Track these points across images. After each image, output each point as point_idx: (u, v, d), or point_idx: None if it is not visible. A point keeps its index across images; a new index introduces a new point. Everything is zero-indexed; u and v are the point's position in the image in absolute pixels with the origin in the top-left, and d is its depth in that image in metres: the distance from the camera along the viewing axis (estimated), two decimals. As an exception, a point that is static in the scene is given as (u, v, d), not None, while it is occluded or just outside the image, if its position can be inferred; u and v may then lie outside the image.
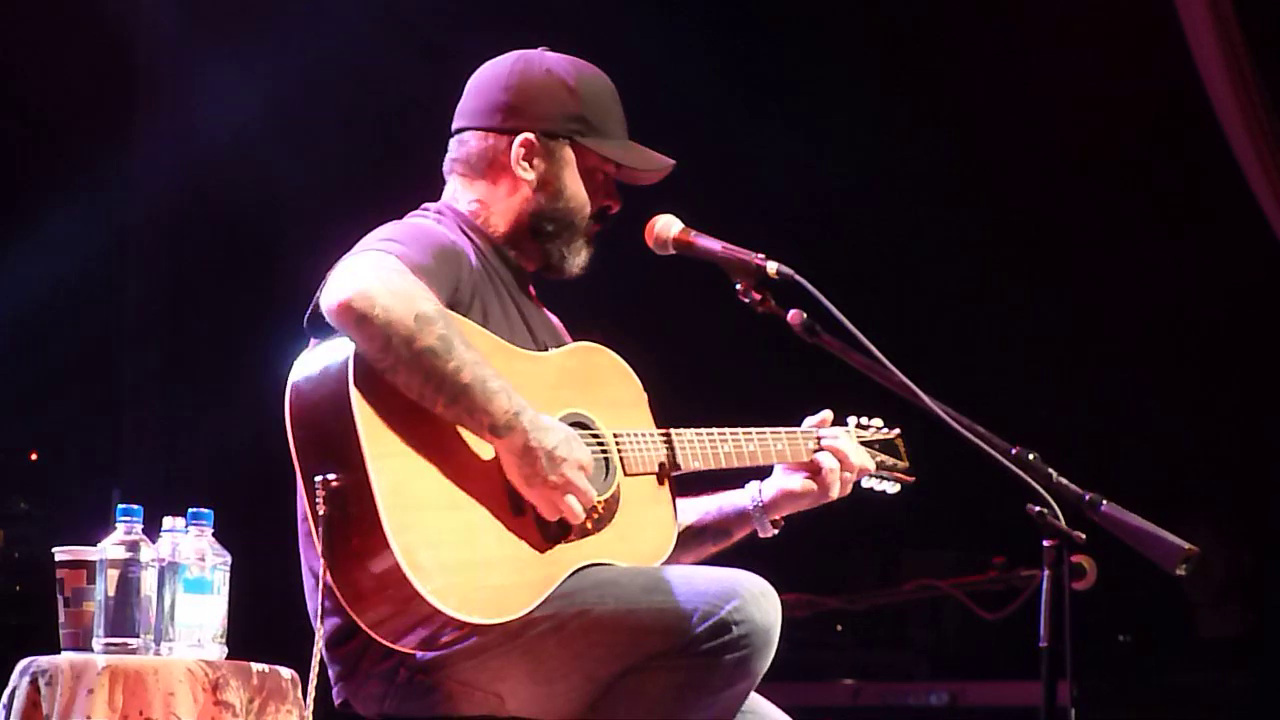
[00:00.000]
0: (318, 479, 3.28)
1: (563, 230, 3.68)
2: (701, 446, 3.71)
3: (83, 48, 6.92)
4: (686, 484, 3.76)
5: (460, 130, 3.72)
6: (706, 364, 7.15)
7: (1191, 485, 7.50)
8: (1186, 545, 3.21)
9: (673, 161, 3.73)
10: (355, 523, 3.26)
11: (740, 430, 3.79)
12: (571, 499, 3.41)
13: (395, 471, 3.28)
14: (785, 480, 3.87)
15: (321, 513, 3.27)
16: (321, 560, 3.28)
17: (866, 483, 3.97)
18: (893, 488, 4.02)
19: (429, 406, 3.32)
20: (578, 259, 3.72)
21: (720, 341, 6.45)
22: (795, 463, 3.86)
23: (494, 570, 3.36)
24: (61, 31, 6.85)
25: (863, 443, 3.95)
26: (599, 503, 3.52)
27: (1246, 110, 6.85)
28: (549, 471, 3.37)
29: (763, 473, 3.91)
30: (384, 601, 3.28)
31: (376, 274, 3.29)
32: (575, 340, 3.84)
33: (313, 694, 3.34)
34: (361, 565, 3.27)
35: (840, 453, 3.85)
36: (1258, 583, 7.80)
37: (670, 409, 3.76)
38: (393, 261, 3.33)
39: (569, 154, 3.67)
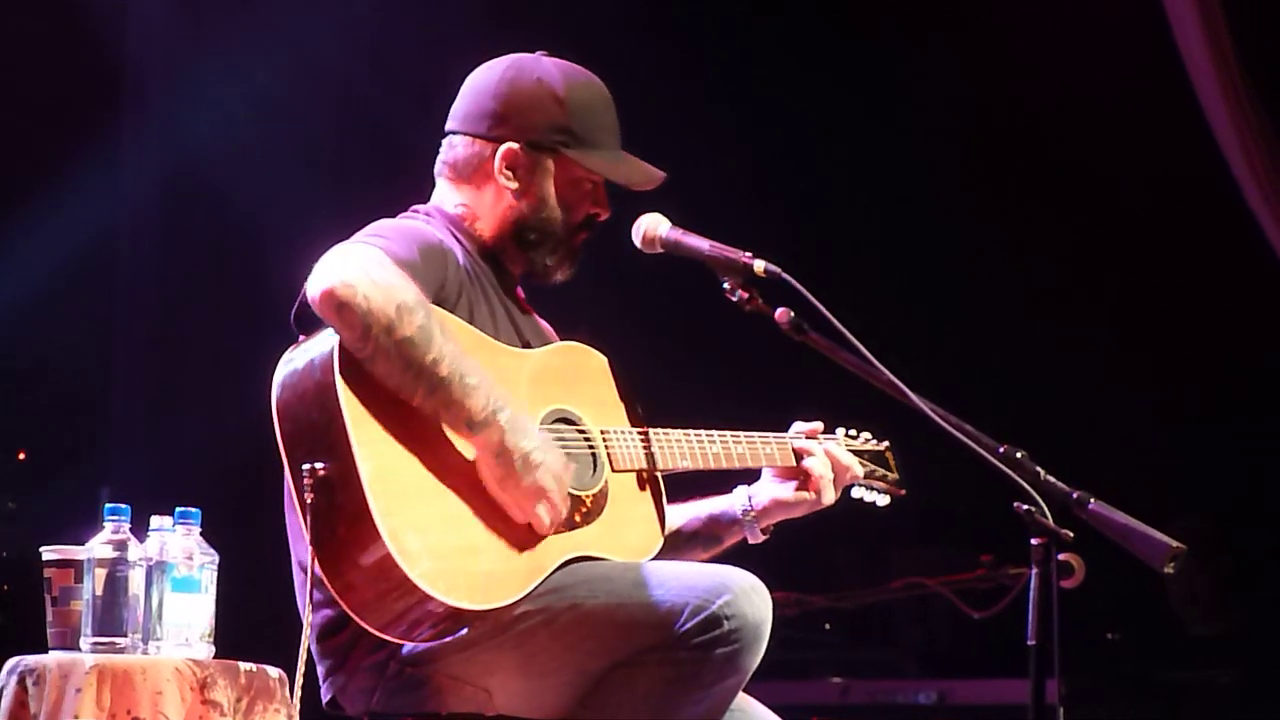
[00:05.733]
0: (305, 468, 3.28)
1: (545, 240, 3.69)
2: (689, 447, 3.72)
3: (71, 46, 6.91)
4: (675, 488, 3.76)
5: (451, 133, 3.73)
6: (701, 363, 7.15)
7: (1175, 485, 7.51)
8: (1174, 543, 3.21)
9: (662, 175, 3.73)
10: (342, 510, 3.27)
11: (729, 433, 3.79)
12: (542, 508, 3.41)
13: (381, 458, 3.29)
14: (777, 489, 3.88)
15: (309, 501, 3.27)
16: (310, 549, 3.29)
17: (856, 492, 3.99)
18: (882, 499, 4.05)
19: (407, 398, 3.32)
20: (561, 270, 3.72)
21: (714, 340, 6.45)
22: (785, 469, 3.87)
23: (482, 556, 3.36)
24: (49, 30, 6.84)
25: (851, 451, 3.97)
26: (587, 497, 3.54)
27: (1235, 113, 6.87)
28: (523, 475, 3.37)
29: (751, 477, 3.91)
30: (372, 588, 3.28)
31: (361, 264, 3.30)
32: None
33: (300, 678, 3.35)
34: (349, 553, 3.28)
35: (826, 460, 3.87)
36: (1242, 581, 7.81)
37: (665, 407, 3.76)
38: (377, 254, 3.34)
39: (552, 165, 3.67)
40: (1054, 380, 7.72)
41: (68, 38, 6.90)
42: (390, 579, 3.26)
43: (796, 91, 7.70)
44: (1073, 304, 7.77)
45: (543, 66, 3.70)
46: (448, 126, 3.74)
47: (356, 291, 3.27)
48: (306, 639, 3.37)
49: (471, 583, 3.33)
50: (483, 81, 3.71)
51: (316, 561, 3.29)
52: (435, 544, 3.30)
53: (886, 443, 4.00)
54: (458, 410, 3.34)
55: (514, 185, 3.66)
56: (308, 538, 3.29)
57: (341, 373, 3.31)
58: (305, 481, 3.27)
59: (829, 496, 3.87)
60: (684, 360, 6.93)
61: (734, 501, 3.89)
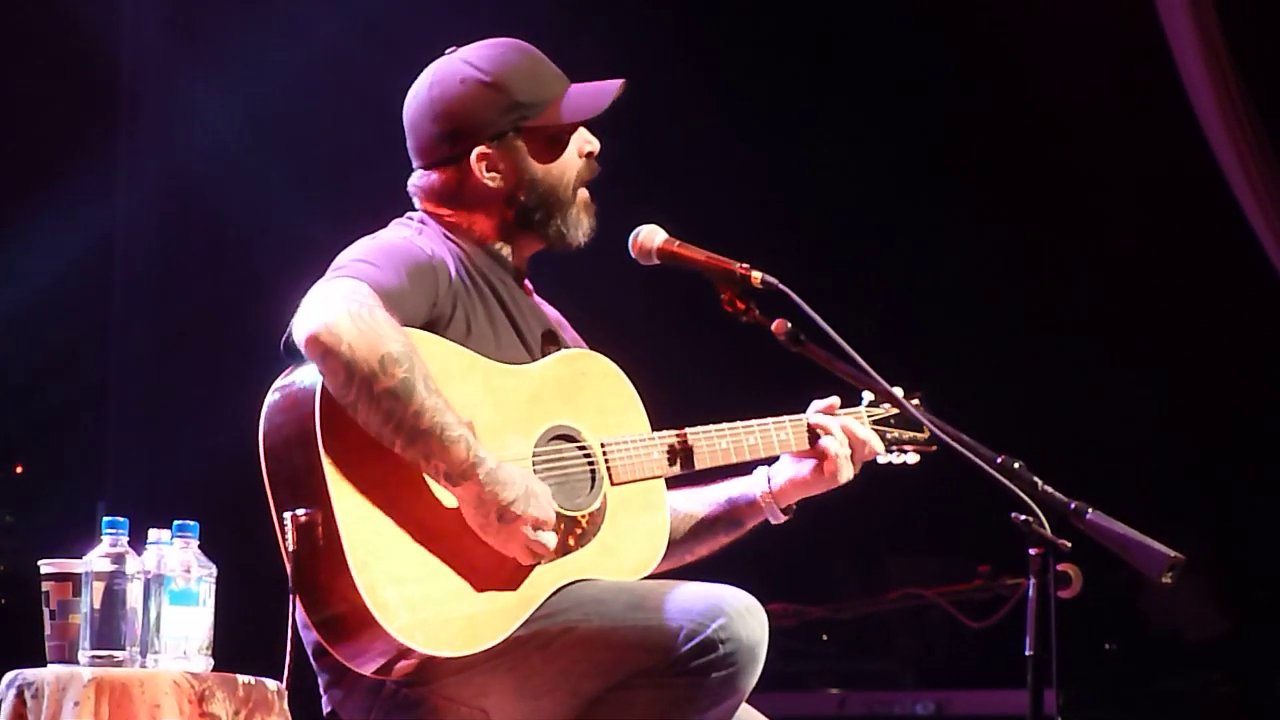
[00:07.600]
0: (286, 514, 3.30)
1: (553, 210, 3.67)
2: (698, 446, 3.69)
3: (67, 59, 6.92)
4: (696, 474, 3.73)
5: (418, 168, 3.71)
6: (708, 365, 7.14)
7: (1169, 494, 7.51)
8: (1172, 553, 3.22)
9: (618, 81, 3.68)
10: (323, 558, 3.28)
11: (740, 424, 3.75)
12: (526, 556, 3.40)
13: (360, 507, 3.30)
14: (793, 468, 3.84)
15: (291, 548, 3.29)
16: (292, 595, 3.31)
17: (883, 459, 3.91)
18: (912, 458, 3.96)
19: (388, 445, 3.31)
20: (580, 229, 3.69)
21: (720, 342, 6.44)
22: (802, 450, 3.83)
23: (466, 600, 3.36)
24: (45, 45, 6.84)
25: (878, 420, 3.92)
26: (582, 518, 3.52)
27: (1232, 126, 6.89)
28: (504, 525, 3.36)
29: (771, 459, 3.86)
30: (355, 638, 3.31)
31: (347, 307, 3.28)
32: (577, 331, 3.83)
33: (288, 668, 3.35)
34: (330, 601, 3.30)
35: (843, 437, 3.82)
36: (1238, 588, 7.81)
37: (682, 401, 3.75)
38: (365, 292, 3.32)
39: (523, 143, 3.65)
40: (1052, 389, 7.72)
41: (64, 51, 6.90)
42: (370, 632, 3.28)
43: (794, 99, 7.71)
44: (1069, 315, 7.77)
45: (458, 65, 3.66)
46: (414, 163, 3.71)
47: (341, 340, 3.25)
48: (290, 651, 3.37)
49: (452, 630, 3.33)
50: (416, 111, 3.69)
51: (300, 605, 3.32)
52: (414, 595, 3.30)
53: (915, 400, 3.84)
54: (438, 462, 3.32)
55: (501, 182, 3.65)
56: (290, 583, 3.31)
57: (322, 420, 3.31)
58: (288, 528, 3.29)
59: (846, 474, 3.82)
60: (698, 348, 6.89)
61: (753, 484, 3.86)
